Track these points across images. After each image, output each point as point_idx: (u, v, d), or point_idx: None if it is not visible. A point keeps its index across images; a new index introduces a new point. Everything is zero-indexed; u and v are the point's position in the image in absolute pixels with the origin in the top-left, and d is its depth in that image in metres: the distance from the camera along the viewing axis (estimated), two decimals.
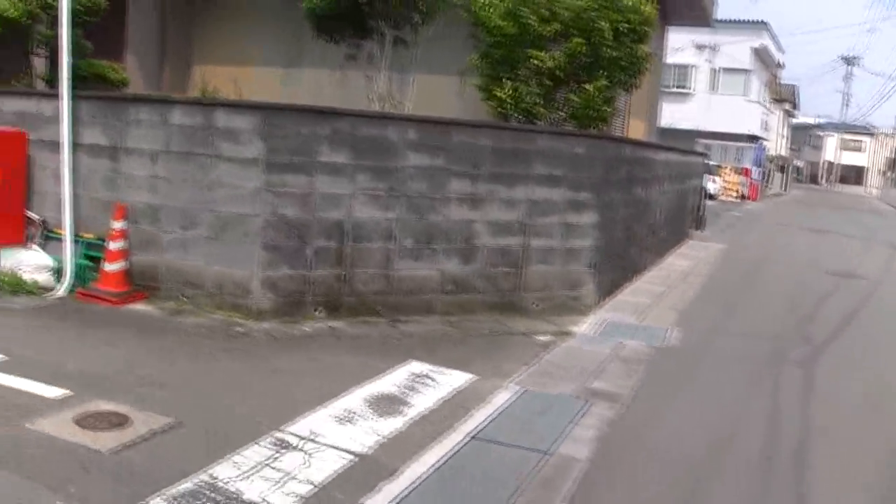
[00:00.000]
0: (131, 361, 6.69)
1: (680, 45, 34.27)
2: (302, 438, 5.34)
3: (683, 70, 41.98)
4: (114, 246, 8.55)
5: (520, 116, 10.38)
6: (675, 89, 40.78)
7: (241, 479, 4.66)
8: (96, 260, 8.77)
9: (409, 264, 8.77)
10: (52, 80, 10.52)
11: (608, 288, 10.71)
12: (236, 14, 14.61)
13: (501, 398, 6.49)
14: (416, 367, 7.14)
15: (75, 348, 6.96)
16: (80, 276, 8.81)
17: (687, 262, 15.42)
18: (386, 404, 6.14)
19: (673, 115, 35.12)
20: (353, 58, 11.31)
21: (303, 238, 8.28)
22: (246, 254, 8.21)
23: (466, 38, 11.04)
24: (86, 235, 8.91)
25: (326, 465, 4.96)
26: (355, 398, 6.21)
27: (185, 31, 14.94)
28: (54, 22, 9.39)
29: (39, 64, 11.25)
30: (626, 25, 10.27)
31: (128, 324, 7.83)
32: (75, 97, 8.85)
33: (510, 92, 10.20)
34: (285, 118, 8.20)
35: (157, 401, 5.77)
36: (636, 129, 16.13)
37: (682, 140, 28.64)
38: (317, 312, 8.41)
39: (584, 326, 9.16)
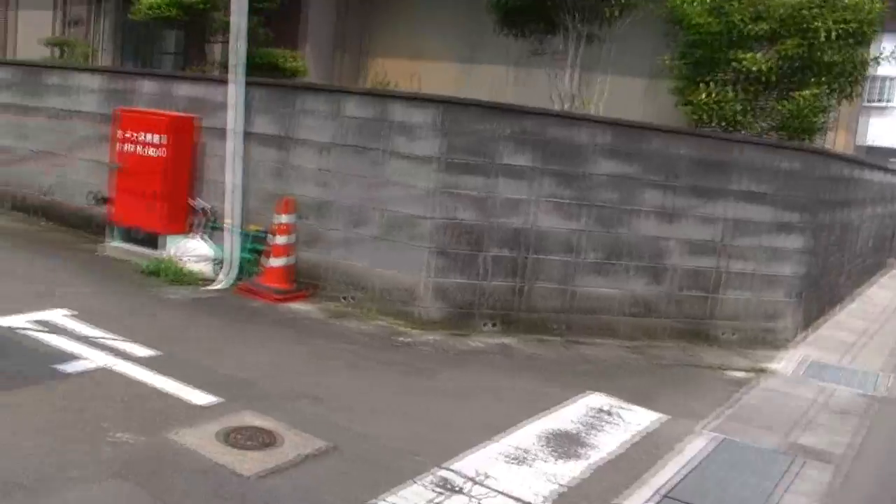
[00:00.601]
0: (286, 368, 6.23)
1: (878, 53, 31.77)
2: (468, 479, 4.65)
3: (882, 82, 38.95)
4: (279, 241, 8.13)
5: (719, 124, 9.37)
6: (872, 103, 37.87)
7: None
8: (259, 253, 8.39)
9: (591, 281, 8.00)
10: (228, 66, 10.36)
11: (808, 320, 9.57)
12: (413, 5, 14.16)
13: (695, 447, 5.63)
14: (597, 399, 6.34)
15: (230, 348, 6.55)
16: (243, 270, 8.47)
17: (891, 293, 13.90)
18: (564, 443, 5.38)
19: (870, 130, 32.63)
20: (537, 53, 10.62)
21: (477, 245, 7.66)
22: (415, 258, 7.66)
23: (658, 37, 10.18)
24: (250, 227, 8.54)
25: None
26: (529, 433, 5.48)
27: (360, 21, 14.61)
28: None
29: (216, 50, 11.15)
30: (850, 26, 9.07)
31: (287, 324, 7.41)
32: (247, 84, 8.52)
33: (711, 97, 9.20)
34: (466, 114, 7.61)
35: (309, 418, 5.23)
36: (840, 144, 14.69)
37: (877, 158, 26.42)
38: (487, 326, 7.76)
39: (783, 364, 8.15)
